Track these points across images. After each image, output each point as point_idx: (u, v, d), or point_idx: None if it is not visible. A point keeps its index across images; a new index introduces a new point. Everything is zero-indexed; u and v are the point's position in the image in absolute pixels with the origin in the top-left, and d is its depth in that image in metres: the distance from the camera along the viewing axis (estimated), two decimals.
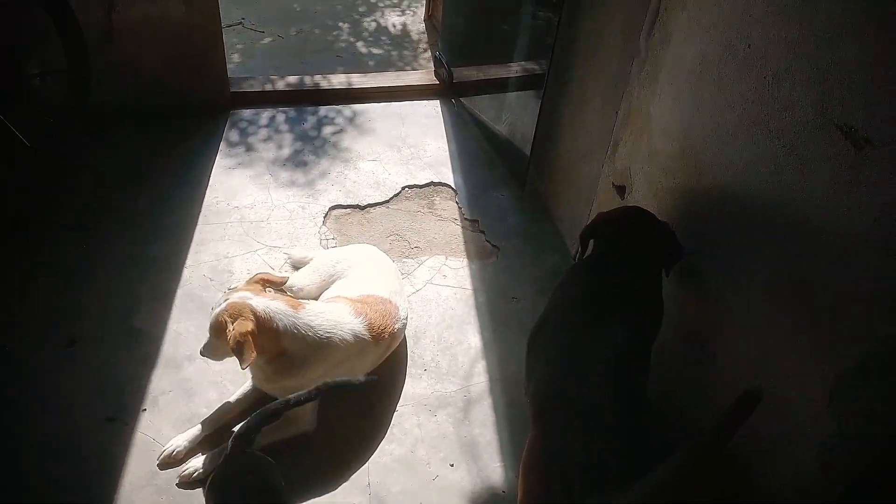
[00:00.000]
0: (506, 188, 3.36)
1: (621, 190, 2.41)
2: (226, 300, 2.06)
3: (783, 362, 1.67)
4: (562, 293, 1.98)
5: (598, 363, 1.73)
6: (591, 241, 2.01)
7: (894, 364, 1.39)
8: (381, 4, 5.11)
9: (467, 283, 2.86)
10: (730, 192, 1.82)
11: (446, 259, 2.96)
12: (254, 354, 1.96)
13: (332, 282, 2.53)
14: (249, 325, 1.97)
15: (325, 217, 3.10)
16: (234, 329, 1.96)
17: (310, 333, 2.11)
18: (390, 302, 2.36)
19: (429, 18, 4.71)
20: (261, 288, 2.16)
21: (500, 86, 3.46)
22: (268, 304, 2.06)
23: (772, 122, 1.63)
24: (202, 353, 2.12)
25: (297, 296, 2.47)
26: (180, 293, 2.68)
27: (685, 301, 2.02)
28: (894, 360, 1.39)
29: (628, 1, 2.33)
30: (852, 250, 1.44)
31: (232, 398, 2.28)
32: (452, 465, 2.23)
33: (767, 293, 1.71)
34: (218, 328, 2.02)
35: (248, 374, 2.28)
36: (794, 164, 1.57)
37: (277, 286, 2.33)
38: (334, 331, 2.15)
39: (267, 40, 4.55)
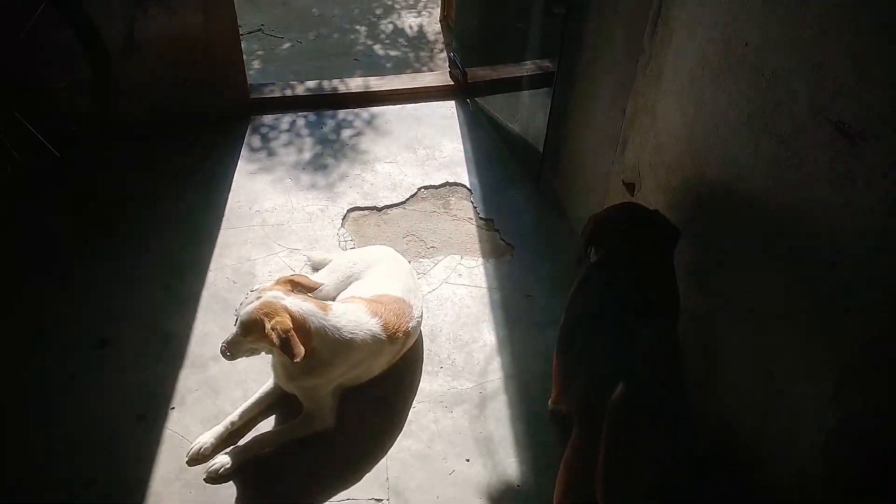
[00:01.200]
0: (520, 186, 3.39)
1: (631, 187, 2.43)
2: (258, 298, 2.11)
3: (787, 355, 1.69)
4: (583, 300, 2.02)
5: (637, 361, 1.77)
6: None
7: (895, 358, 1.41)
8: (397, 6, 5.16)
9: (482, 281, 2.91)
10: (732, 189, 1.84)
11: (462, 258, 3.01)
12: (302, 349, 2.02)
13: (350, 283, 2.60)
14: (289, 322, 2.03)
15: (343, 219, 3.18)
16: (275, 325, 2.00)
17: (336, 335, 2.18)
18: (404, 301, 2.42)
19: (444, 18, 4.74)
20: (290, 289, 2.21)
21: (512, 85, 3.49)
22: (300, 304, 2.13)
23: (769, 119, 1.65)
24: (223, 349, 2.12)
25: (317, 296, 2.54)
26: (205, 294, 2.78)
27: (688, 297, 2.04)
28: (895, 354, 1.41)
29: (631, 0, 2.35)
30: (851, 245, 1.46)
31: (255, 396, 2.37)
32: (468, 461, 2.28)
33: (770, 287, 1.73)
34: (251, 325, 2.05)
35: (270, 372, 2.37)
36: (791, 161, 1.59)
37: (308, 290, 2.30)
38: (356, 331, 2.23)
39: (286, 45, 4.65)
